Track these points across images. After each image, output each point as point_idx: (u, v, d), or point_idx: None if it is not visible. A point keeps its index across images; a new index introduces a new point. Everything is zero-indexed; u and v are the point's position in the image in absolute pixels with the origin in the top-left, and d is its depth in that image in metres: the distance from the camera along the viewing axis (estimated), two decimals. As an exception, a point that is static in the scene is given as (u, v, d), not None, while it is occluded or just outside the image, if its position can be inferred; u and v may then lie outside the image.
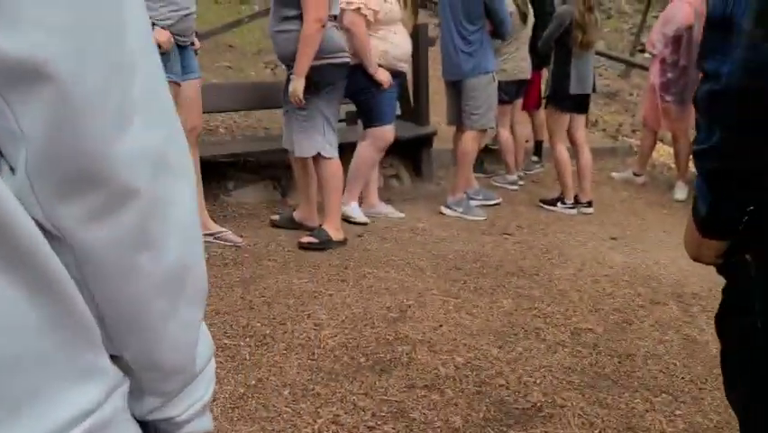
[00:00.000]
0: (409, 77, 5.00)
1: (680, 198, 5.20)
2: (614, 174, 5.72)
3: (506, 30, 4.17)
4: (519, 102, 5.19)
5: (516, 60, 4.81)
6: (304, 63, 3.07)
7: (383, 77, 3.64)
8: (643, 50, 14.23)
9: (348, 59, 3.30)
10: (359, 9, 3.50)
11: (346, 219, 3.73)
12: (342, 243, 3.41)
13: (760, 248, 0.91)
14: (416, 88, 4.92)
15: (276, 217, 3.73)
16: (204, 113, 4.05)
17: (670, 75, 5.02)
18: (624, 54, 13.81)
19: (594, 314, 2.88)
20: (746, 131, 0.80)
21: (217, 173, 4.03)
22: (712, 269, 1.04)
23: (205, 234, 3.26)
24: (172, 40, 2.82)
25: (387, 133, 3.79)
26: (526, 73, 4.90)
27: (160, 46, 2.75)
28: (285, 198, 4.24)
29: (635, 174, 5.56)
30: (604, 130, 7.81)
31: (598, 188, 5.35)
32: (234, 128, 4.65)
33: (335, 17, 3.25)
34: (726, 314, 1.01)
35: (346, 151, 4.20)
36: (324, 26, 3.05)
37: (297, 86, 3.12)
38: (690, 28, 4.87)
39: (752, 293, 0.92)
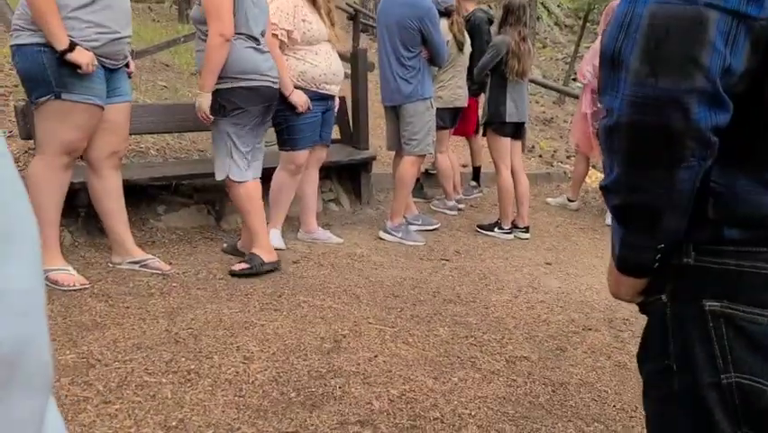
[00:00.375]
0: (349, 100, 5.00)
1: (611, 222, 5.33)
2: (549, 200, 5.84)
3: (442, 58, 4.20)
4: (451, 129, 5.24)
5: (453, 88, 4.87)
6: (206, 78, 3.00)
7: (297, 99, 3.53)
8: (576, 79, 14.79)
9: (264, 83, 3.15)
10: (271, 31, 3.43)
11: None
12: (276, 265, 3.33)
13: (673, 288, 0.90)
14: (355, 112, 4.90)
15: (225, 245, 3.64)
16: (135, 134, 3.93)
17: (600, 105, 5.16)
18: (558, 82, 14.31)
19: (529, 341, 2.88)
20: (640, 166, 0.80)
21: (147, 197, 3.88)
22: None
23: (131, 262, 3.12)
24: (95, 62, 2.70)
25: (297, 157, 3.71)
26: (463, 100, 4.96)
27: (80, 67, 2.63)
28: (219, 223, 4.11)
29: (569, 200, 5.70)
30: (540, 156, 8.00)
31: (535, 213, 5.44)
32: (167, 150, 4.50)
33: (255, 38, 3.11)
34: (645, 354, 1.00)
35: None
36: (227, 41, 2.95)
37: (202, 101, 3.04)
38: None
39: (666, 335, 0.91)
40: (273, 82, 3.21)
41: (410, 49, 4.08)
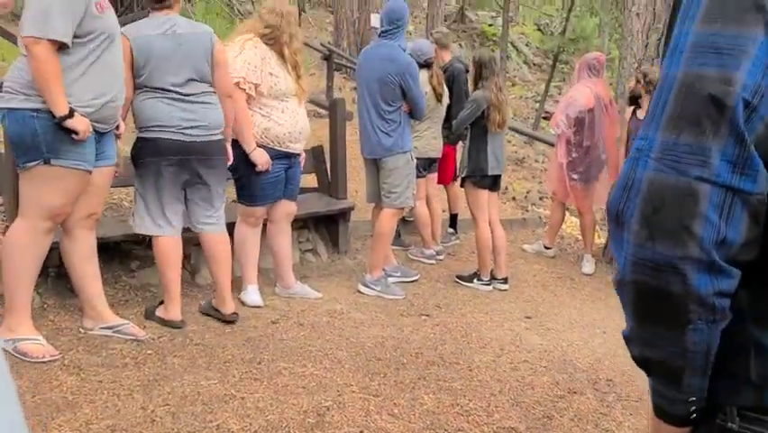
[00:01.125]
0: (327, 149, 4.97)
1: (587, 271, 5.37)
2: (525, 246, 5.85)
3: (421, 111, 4.22)
4: (434, 175, 5.25)
5: (428, 139, 4.88)
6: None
7: (258, 158, 3.43)
8: (546, 117, 15.07)
9: (165, 135, 2.99)
10: (237, 83, 3.34)
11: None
12: (180, 324, 3.22)
13: None
14: (333, 162, 4.87)
15: (202, 303, 3.54)
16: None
17: (575, 154, 5.24)
18: (529, 121, 14.56)
19: (516, 408, 2.84)
20: (649, 323, 0.80)
21: (119, 252, 3.76)
22: (624, 352, 1.00)
23: (103, 328, 3.00)
24: (91, 128, 2.64)
25: (255, 211, 3.65)
26: (437, 151, 4.98)
27: (76, 133, 2.56)
28: (194, 278, 4.00)
29: (545, 247, 5.72)
30: (514, 198, 8.06)
31: (512, 260, 5.43)
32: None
33: (165, 90, 3.01)
34: None
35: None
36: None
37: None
38: (591, 111, 5.14)
39: None
40: (185, 134, 3.01)
41: (390, 103, 4.08)
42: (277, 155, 3.55)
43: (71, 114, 2.54)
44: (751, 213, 0.71)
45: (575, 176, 5.28)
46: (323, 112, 7.16)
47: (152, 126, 3.01)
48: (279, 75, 3.50)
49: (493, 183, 4.64)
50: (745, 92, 0.68)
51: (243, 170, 3.48)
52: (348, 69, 12.36)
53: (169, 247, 3.15)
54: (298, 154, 3.77)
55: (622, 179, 0.77)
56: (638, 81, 4.89)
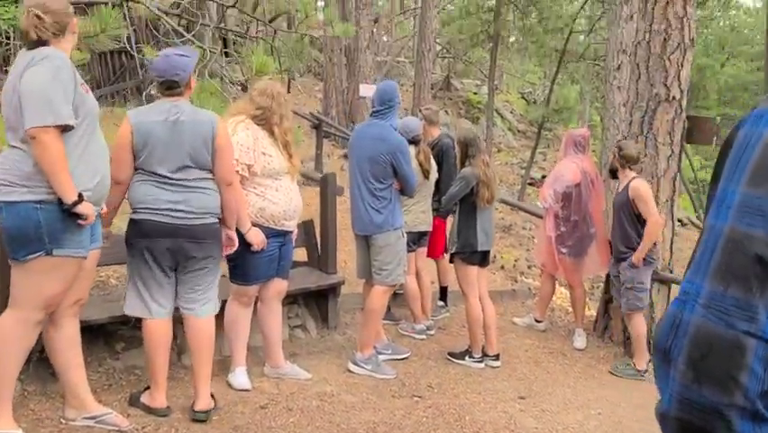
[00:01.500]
0: (317, 224, 4.97)
1: (579, 346, 5.33)
2: (516, 320, 5.81)
3: (412, 189, 4.24)
4: (424, 249, 5.24)
5: (416, 213, 4.90)
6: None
7: (254, 238, 3.42)
8: (532, 183, 15.32)
9: (151, 217, 2.97)
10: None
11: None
12: (165, 411, 3.13)
13: None
14: (324, 236, 4.87)
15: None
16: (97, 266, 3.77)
17: (563, 229, 5.28)
18: (515, 187, 14.75)
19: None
20: None
21: (105, 334, 3.68)
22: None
23: (86, 418, 2.90)
24: (94, 212, 2.63)
25: (249, 290, 3.61)
26: (426, 225, 5.00)
27: (83, 218, 2.54)
28: (181, 359, 3.90)
29: (536, 320, 5.68)
30: (502, 267, 8.07)
31: (503, 334, 5.38)
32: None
33: (158, 174, 2.99)
34: None
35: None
36: (117, 184, 2.94)
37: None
38: (578, 186, 5.22)
39: None
40: (173, 217, 2.98)
41: (382, 181, 4.11)
42: (272, 233, 3.55)
43: (81, 198, 2.53)
44: None
45: (564, 250, 5.30)
46: (313, 179, 7.20)
47: (142, 208, 3.01)
48: (272, 154, 3.53)
49: (483, 259, 4.64)
50: None
51: (238, 249, 3.46)
52: (337, 138, 12.55)
53: (158, 331, 3.09)
54: (291, 231, 3.76)
55: (669, 318, 0.81)
56: (614, 155, 4.99)
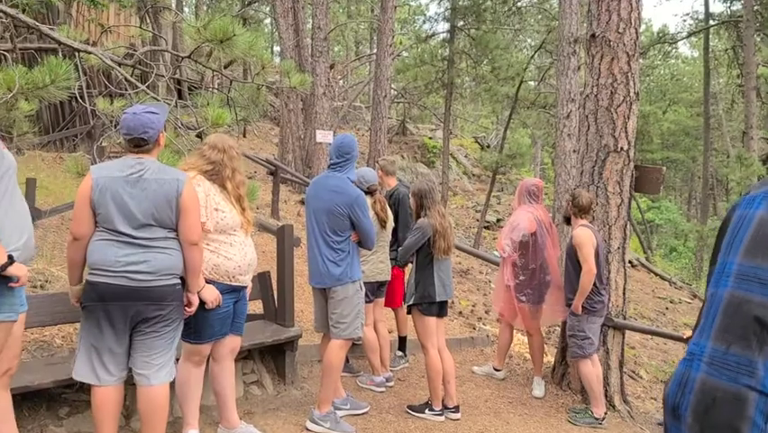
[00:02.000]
0: (274, 276, 4.89)
1: (538, 394, 5.32)
2: (475, 369, 5.78)
3: (371, 242, 4.21)
4: (381, 300, 5.20)
5: (375, 263, 4.89)
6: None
7: (208, 295, 3.32)
8: (487, 227, 15.52)
9: (105, 279, 2.86)
10: None
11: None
12: None
13: None
14: (281, 289, 4.78)
15: None
16: (41, 327, 3.61)
17: (522, 277, 5.33)
18: (471, 231, 14.92)
19: None
20: None
21: (47, 397, 3.49)
22: None
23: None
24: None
25: (202, 349, 3.49)
26: (385, 274, 4.98)
27: (14, 280, 2.42)
28: (129, 423, 3.73)
29: (495, 369, 5.66)
30: (460, 313, 8.07)
31: (462, 384, 5.35)
32: (74, 336, 4.14)
33: (119, 232, 2.90)
34: None
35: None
36: (75, 240, 2.89)
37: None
38: (533, 234, 5.30)
39: None
40: (129, 278, 2.87)
41: (339, 233, 4.08)
42: (226, 290, 3.45)
43: (11, 260, 2.42)
44: None
45: (524, 298, 5.34)
46: (271, 224, 7.11)
47: (97, 270, 2.89)
48: (225, 209, 3.45)
49: (441, 309, 4.62)
50: None
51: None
52: (294, 183, 12.51)
53: (107, 398, 2.94)
54: (246, 286, 3.67)
55: (677, 377, 0.88)
56: (568, 203, 5.11)
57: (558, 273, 5.45)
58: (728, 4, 22.02)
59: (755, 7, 18.47)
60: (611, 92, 5.29)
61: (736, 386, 0.81)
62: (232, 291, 3.51)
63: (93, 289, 2.88)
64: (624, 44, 5.25)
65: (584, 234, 4.84)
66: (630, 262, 16.75)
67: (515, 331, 5.99)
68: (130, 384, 3.44)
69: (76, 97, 4.60)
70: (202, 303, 3.33)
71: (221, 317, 3.47)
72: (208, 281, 3.37)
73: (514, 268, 5.35)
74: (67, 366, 3.55)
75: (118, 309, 2.87)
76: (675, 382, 0.89)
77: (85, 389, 3.63)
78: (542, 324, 5.58)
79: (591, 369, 4.91)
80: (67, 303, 3.63)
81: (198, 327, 3.41)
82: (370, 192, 4.80)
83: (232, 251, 3.46)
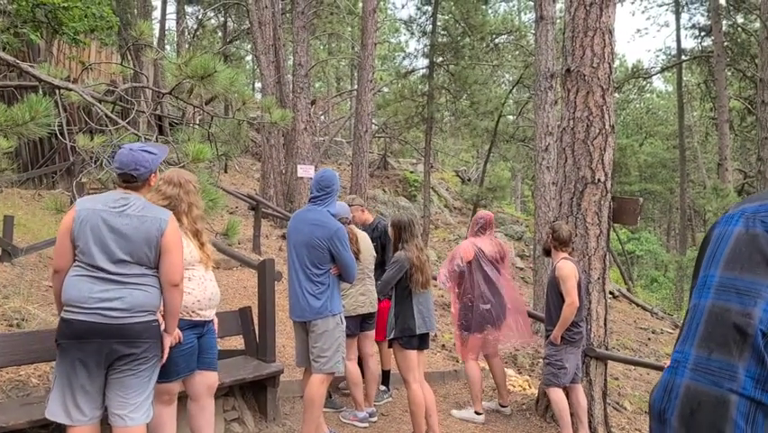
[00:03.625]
0: (255, 311, 4.85)
1: (455, 415, 5.39)
2: (454, 412, 5.60)
3: (351, 275, 4.20)
4: (371, 333, 5.17)
5: (355, 296, 4.87)
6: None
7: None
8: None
9: (78, 316, 2.81)
10: None
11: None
12: None
13: None
14: (262, 324, 4.73)
15: None
16: (17, 365, 3.54)
17: (459, 305, 5.48)
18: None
19: None
20: None
21: (21, 439, 3.39)
22: None
23: None
24: None
25: (171, 388, 3.41)
26: (367, 307, 4.95)
27: None
28: (105, 464, 3.63)
29: (476, 413, 5.52)
30: (443, 347, 8.03)
31: (446, 418, 5.31)
32: (50, 376, 4.05)
33: (96, 267, 2.87)
34: None
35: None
36: (55, 273, 2.89)
37: None
38: (469, 263, 5.39)
39: None
40: (103, 315, 2.81)
41: (319, 266, 4.08)
42: (187, 325, 3.38)
43: None
44: None
45: (459, 324, 5.48)
46: (252, 259, 7.08)
47: (71, 307, 2.85)
48: (184, 243, 3.40)
49: (421, 342, 4.59)
50: (762, 325, 0.86)
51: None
52: (275, 218, 12.49)
53: None
54: (210, 321, 3.61)
55: (662, 384, 0.93)
56: (548, 236, 5.17)
57: (515, 298, 5.55)
58: (699, 41, 22.73)
59: (725, 43, 19.09)
60: (587, 125, 5.40)
61: (719, 390, 0.86)
62: (194, 327, 3.43)
63: (67, 326, 2.83)
64: (598, 78, 5.38)
65: (567, 267, 4.89)
66: (612, 293, 16.85)
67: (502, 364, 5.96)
68: (107, 423, 3.38)
69: (55, 134, 4.60)
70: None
71: (185, 354, 3.38)
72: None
73: (456, 298, 5.51)
74: (42, 406, 3.46)
75: (92, 347, 2.82)
76: (661, 388, 0.93)
77: (62, 429, 3.55)
78: (494, 348, 5.62)
79: (562, 396, 4.95)
80: (43, 341, 3.58)
81: (163, 366, 3.33)
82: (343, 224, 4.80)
83: (190, 285, 3.39)
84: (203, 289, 3.45)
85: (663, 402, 0.92)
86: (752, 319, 0.86)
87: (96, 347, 2.82)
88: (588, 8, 5.42)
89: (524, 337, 5.42)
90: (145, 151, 3.04)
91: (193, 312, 3.40)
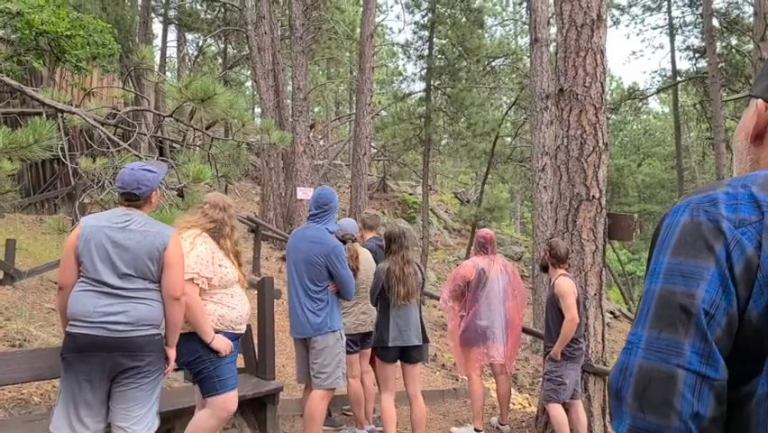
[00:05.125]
0: (255, 329, 4.88)
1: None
2: (453, 430, 5.63)
3: (349, 292, 4.24)
4: (368, 351, 5.19)
5: (357, 314, 4.91)
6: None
7: (220, 345, 3.40)
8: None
9: (83, 330, 2.86)
10: (192, 279, 3.36)
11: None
12: None
13: None
14: (261, 342, 4.77)
15: None
16: (17, 384, 3.58)
17: (462, 323, 5.56)
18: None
19: None
20: None
21: (23, 456, 3.41)
22: None
23: None
24: None
25: (229, 401, 3.50)
26: (368, 325, 4.97)
27: None
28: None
29: (476, 430, 5.51)
30: (443, 366, 8.04)
31: (445, 436, 5.30)
32: (52, 394, 4.09)
33: (101, 282, 2.92)
34: None
35: (183, 415, 3.86)
36: (60, 289, 2.95)
37: None
38: (469, 282, 5.49)
39: None
40: (107, 329, 2.87)
41: (318, 283, 4.14)
42: (231, 338, 3.56)
43: None
44: (715, 394, 0.92)
45: (456, 339, 5.54)
46: (251, 283, 7.13)
47: (76, 321, 2.91)
48: (227, 266, 3.56)
49: (400, 355, 4.54)
50: (705, 304, 0.94)
51: (207, 360, 3.38)
52: (275, 240, 12.55)
53: None
54: (243, 333, 3.76)
55: (618, 365, 1.00)
56: (545, 253, 5.24)
57: (512, 319, 5.61)
58: (694, 62, 23.01)
59: (720, 64, 19.32)
60: (581, 143, 5.49)
61: (668, 366, 0.92)
62: (235, 339, 3.62)
63: (71, 340, 2.88)
64: (591, 97, 5.49)
65: (566, 284, 4.94)
66: (612, 312, 16.83)
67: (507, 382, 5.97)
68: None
69: (57, 159, 4.69)
70: (215, 353, 3.39)
71: (234, 362, 3.57)
72: (216, 331, 3.43)
73: (455, 315, 5.62)
74: (44, 424, 3.49)
75: (96, 360, 2.86)
76: (617, 369, 0.99)
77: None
78: (482, 362, 5.67)
79: (562, 412, 4.97)
80: (45, 359, 3.63)
81: (222, 376, 3.46)
82: (343, 241, 4.85)
83: (233, 301, 3.59)
84: (243, 304, 3.65)
85: (620, 382, 0.99)
86: (695, 300, 0.94)
87: (100, 360, 2.87)
88: (579, 29, 5.54)
89: (504, 358, 5.50)
90: (146, 169, 3.13)
91: (237, 326, 3.60)
